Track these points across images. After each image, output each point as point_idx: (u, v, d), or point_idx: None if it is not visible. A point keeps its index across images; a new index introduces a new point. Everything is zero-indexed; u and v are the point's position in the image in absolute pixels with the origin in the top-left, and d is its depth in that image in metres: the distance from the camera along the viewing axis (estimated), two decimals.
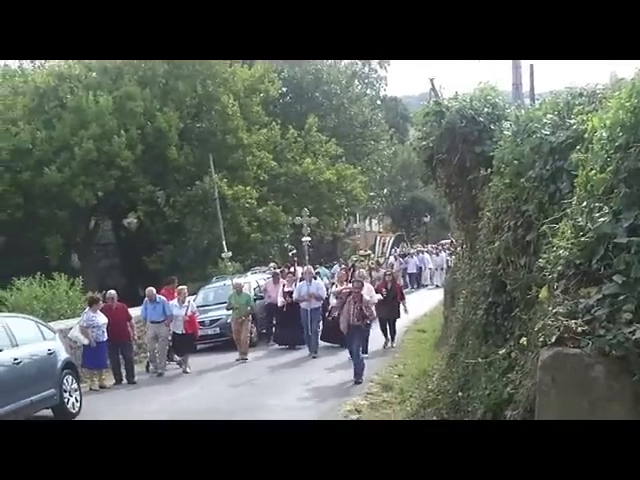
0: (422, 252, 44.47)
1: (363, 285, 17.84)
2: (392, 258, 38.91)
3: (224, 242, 25.47)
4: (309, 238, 26.22)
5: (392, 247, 38.16)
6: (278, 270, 26.63)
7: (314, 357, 20.32)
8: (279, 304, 22.59)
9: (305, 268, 23.09)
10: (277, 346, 22.79)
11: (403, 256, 42.95)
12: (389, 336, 21.21)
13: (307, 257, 24.44)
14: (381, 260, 33.40)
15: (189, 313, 19.97)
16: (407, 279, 40.78)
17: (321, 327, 21.39)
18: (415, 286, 40.82)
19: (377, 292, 20.01)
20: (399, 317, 21.56)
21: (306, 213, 27.38)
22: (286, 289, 22.79)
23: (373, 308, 17.87)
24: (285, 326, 22.43)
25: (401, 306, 21.57)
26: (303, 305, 21.24)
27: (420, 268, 42.30)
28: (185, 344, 20.02)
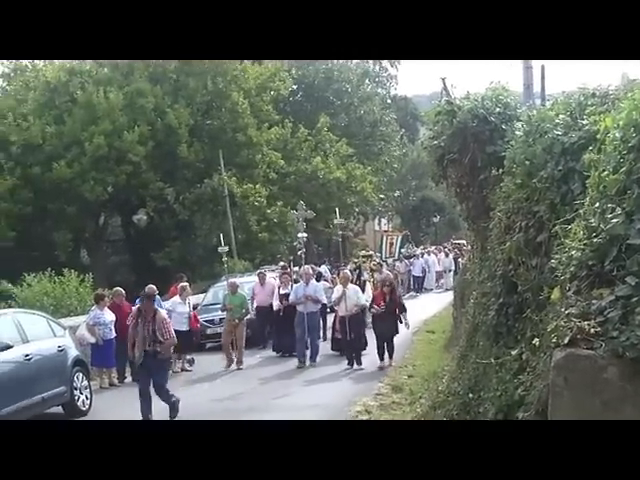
0: (428, 253, 43.06)
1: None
2: (397, 261, 37.67)
3: (222, 237, 24.73)
4: (305, 234, 24.51)
5: (401, 247, 37.23)
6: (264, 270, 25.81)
7: (312, 365, 19.13)
8: (275, 308, 21.45)
9: (302, 268, 21.75)
10: (274, 354, 21.40)
11: (409, 257, 41.02)
12: (386, 355, 18.58)
13: (303, 255, 23.09)
14: (390, 261, 32.26)
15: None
16: (412, 282, 39.70)
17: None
18: (419, 291, 39.48)
19: (373, 306, 18.85)
20: (397, 333, 19.19)
21: (302, 206, 25.67)
22: (281, 291, 21.50)
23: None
24: (284, 332, 20.68)
25: (402, 320, 19.21)
26: (299, 308, 19.66)
27: (425, 270, 40.51)
28: (190, 341, 20.13)
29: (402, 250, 40.15)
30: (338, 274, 23.84)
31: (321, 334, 21.32)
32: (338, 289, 19.89)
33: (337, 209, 26.69)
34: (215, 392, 16.45)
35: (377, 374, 17.10)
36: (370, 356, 18.83)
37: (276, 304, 21.34)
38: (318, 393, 15.43)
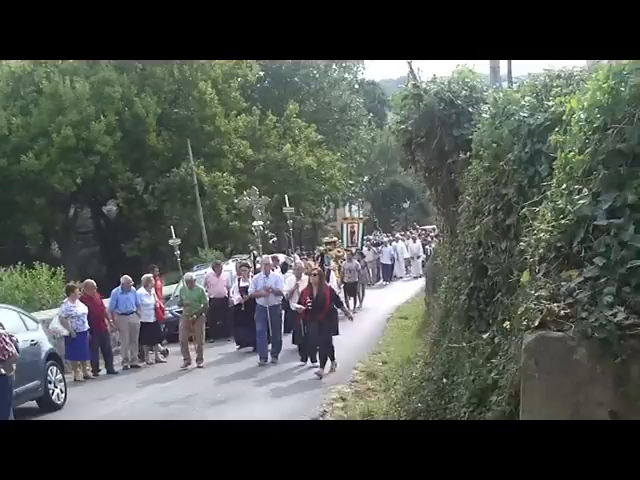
0: (396, 240, 42.16)
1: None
2: (365, 248, 36.22)
3: (172, 229, 24.19)
4: (261, 222, 22.37)
5: (363, 235, 36.18)
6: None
7: (273, 362, 17.70)
8: (235, 302, 20.40)
9: (261, 258, 20.29)
10: (231, 349, 20.36)
11: (377, 245, 40.19)
12: (324, 361, 15.98)
13: (259, 245, 21.53)
14: (353, 250, 31.28)
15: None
16: (381, 271, 39.19)
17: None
18: (388, 280, 38.75)
19: (300, 303, 16.68)
20: (336, 333, 16.62)
21: (254, 192, 23.36)
22: (241, 284, 20.31)
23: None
24: (246, 325, 19.26)
25: (340, 313, 17.11)
26: (260, 301, 18.24)
27: (393, 258, 39.59)
28: (157, 332, 20.16)
29: (367, 238, 39.47)
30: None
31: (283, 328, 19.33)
32: (291, 281, 18.69)
33: (286, 197, 24.90)
34: (172, 393, 15.49)
35: (350, 361, 16.89)
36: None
37: (236, 298, 20.26)
38: (290, 383, 15.34)
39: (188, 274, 20.82)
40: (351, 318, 17.91)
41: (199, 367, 18.20)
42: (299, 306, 16.66)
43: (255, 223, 22.00)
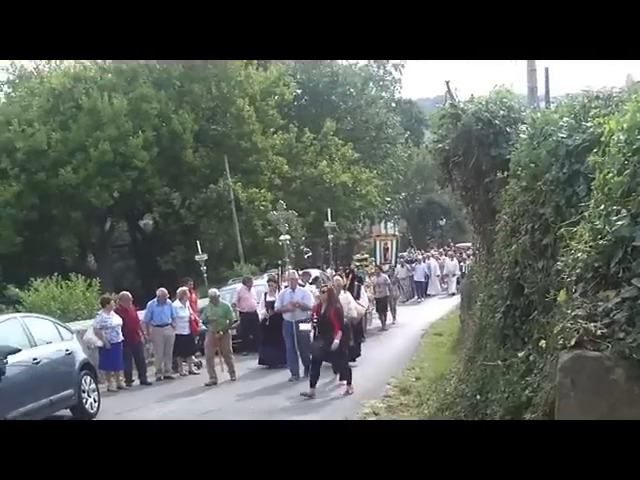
0: (428, 258, 41.41)
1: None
2: (398, 265, 35.41)
3: (198, 244, 23.75)
4: (288, 237, 22.22)
5: (397, 252, 35.19)
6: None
7: (293, 379, 17.19)
8: (260, 317, 19.69)
9: (287, 273, 19.90)
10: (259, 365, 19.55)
11: (410, 262, 39.30)
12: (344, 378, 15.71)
13: (286, 259, 21.16)
14: (385, 267, 30.57)
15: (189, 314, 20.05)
16: (414, 288, 38.51)
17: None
18: (422, 297, 38.14)
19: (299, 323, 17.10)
20: (342, 356, 15.78)
21: (282, 206, 23.34)
22: (268, 298, 19.64)
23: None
24: (269, 344, 18.90)
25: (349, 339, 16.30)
26: (286, 317, 17.86)
27: (427, 276, 39.04)
28: (191, 345, 20.16)
29: (401, 255, 38.86)
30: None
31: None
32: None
33: (329, 210, 24.10)
34: (204, 404, 15.39)
35: (383, 377, 16.88)
36: (361, 368, 17.44)
37: (262, 312, 19.57)
38: (323, 397, 15.32)
39: (212, 290, 20.10)
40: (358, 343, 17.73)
41: (232, 380, 18.03)
42: (305, 326, 16.89)
43: (282, 237, 21.92)
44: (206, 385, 17.63)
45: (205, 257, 22.94)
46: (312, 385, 15.26)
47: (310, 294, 18.51)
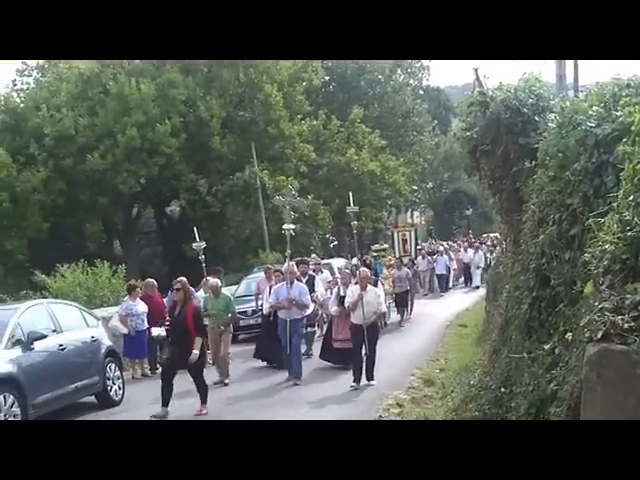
0: (451, 249, 39.97)
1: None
2: (419, 257, 34.23)
3: (196, 230, 20.99)
4: (292, 226, 18.79)
5: (417, 244, 33.69)
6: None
7: (296, 384, 15.79)
8: (264, 311, 18.21)
9: (285, 266, 17.65)
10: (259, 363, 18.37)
11: (431, 254, 37.34)
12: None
13: (289, 250, 17.80)
14: (405, 260, 29.23)
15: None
16: (435, 282, 36.81)
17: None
18: (444, 290, 36.29)
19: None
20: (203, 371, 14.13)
21: (290, 191, 20.00)
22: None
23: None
24: (267, 338, 17.78)
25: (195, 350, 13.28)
26: (281, 315, 16.62)
27: (449, 268, 37.13)
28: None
29: (423, 244, 37.91)
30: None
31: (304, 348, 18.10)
32: (354, 291, 15.90)
33: (351, 194, 20.12)
34: (226, 392, 15.38)
35: (407, 368, 16.78)
36: (385, 359, 16.74)
37: (266, 307, 17.90)
38: (346, 388, 15.13)
39: (213, 280, 17.76)
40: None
41: (224, 384, 16.32)
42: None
43: (285, 226, 18.33)
44: (215, 384, 15.96)
45: (203, 245, 20.47)
46: (164, 404, 13.25)
47: (307, 291, 17.05)
